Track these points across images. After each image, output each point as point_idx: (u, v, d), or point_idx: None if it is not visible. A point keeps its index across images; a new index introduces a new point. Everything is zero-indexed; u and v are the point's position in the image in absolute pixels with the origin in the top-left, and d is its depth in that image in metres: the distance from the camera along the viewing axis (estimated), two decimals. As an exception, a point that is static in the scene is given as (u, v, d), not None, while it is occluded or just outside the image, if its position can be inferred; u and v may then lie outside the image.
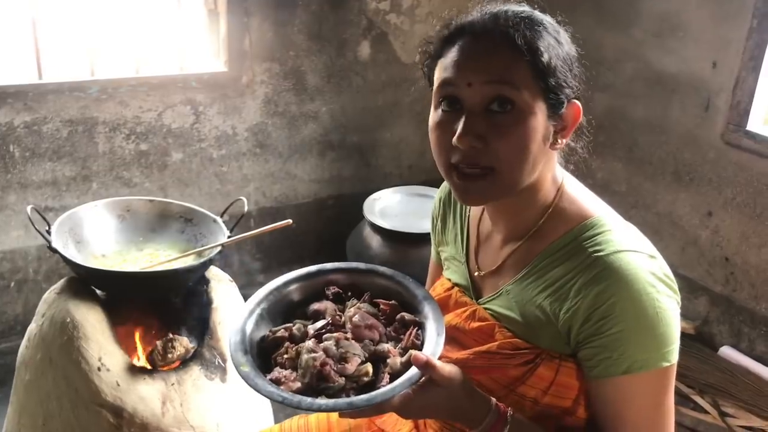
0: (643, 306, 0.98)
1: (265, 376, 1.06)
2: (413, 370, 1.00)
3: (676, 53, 2.68)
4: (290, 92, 2.97)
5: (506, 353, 1.07)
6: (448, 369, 1.01)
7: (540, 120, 1.00)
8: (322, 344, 1.09)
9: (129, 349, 1.81)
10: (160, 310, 1.90)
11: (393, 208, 2.49)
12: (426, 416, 1.08)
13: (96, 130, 2.58)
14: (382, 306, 1.18)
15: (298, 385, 1.04)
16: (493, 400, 1.05)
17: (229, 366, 1.87)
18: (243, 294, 1.88)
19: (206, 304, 1.90)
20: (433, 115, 1.07)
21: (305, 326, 1.16)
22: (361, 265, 1.28)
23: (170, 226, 2.04)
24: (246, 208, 1.98)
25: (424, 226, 2.39)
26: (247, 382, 1.04)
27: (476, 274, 1.20)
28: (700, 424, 2.34)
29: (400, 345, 1.10)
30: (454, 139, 1.00)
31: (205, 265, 1.88)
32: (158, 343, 1.77)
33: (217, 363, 1.85)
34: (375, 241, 2.27)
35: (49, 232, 1.82)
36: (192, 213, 2.05)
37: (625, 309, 0.97)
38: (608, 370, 1.01)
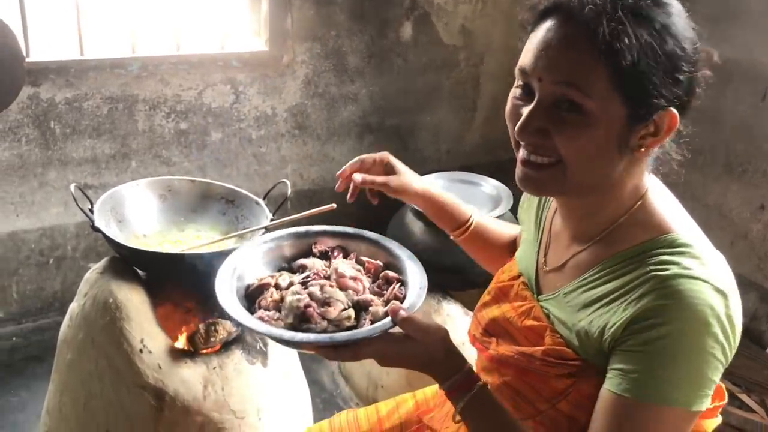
0: (688, 341, 0.89)
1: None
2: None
3: (734, 40, 2.58)
4: (330, 73, 2.92)
5: (549, 361, 1.03)
6: (426, 323, 1.03)
7: (614, 126, 0.92)
8: (307, 289, 1.13)
9: (170, 331, 1.79)
10: (201, 292, 1.86)
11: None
12: (401, 365, 1.06)
13: (136, 107, 2.56)
14: (367, 264, 1.23)
15: (281, 325, 1.07)
16: (469, 364, 1.04)
17: (271, 351, 1.84)
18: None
19: (247, 287, 1.87)
20: (514, 87, 1.01)
21: (290, 277, 1.20)
22: (349, 229, 1.32)
23: (212, 207, 2.02)
24: (289, 191, 1.94)
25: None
26: (230, 315, 1.07)
27: (543, 269, 1.15)
28: (747, 423, 2.27)
29: (383, 298, 1.14)
30: (516, 127, 0.97)
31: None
32: (201, 326, 1.74)
33: (258, 347, 1.82)
34: (417, 227, 2.21)
35: (92, 211, 1.80)
36: (234, 194, 2.02)
37: (668, 335, 0.89)
38: (628, 388, 0.92)
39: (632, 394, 0.91)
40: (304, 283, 1.15)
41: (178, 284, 1.85)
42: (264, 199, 1.96)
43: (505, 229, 1.42)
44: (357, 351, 1.01)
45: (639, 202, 1.01)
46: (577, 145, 0.92)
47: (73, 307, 1.81)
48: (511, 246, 1.39)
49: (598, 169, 0.96)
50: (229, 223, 1.98)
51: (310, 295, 1.11)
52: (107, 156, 2.56)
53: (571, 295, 1.04)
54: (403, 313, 1.03)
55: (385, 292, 1.17)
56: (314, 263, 1.23)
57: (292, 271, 1.25)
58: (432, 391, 1.43)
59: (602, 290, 0.98)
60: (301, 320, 1.07)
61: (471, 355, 1.18)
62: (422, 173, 1.44)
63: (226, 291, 1.14)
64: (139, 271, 1.83)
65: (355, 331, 1.05)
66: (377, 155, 1.33)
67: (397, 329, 1.04)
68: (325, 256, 1.28)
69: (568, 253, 1.09)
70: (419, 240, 2.18)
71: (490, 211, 2.21)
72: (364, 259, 1.25)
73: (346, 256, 1.28)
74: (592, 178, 0.97)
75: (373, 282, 1.20)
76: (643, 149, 0.95)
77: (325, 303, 1.10)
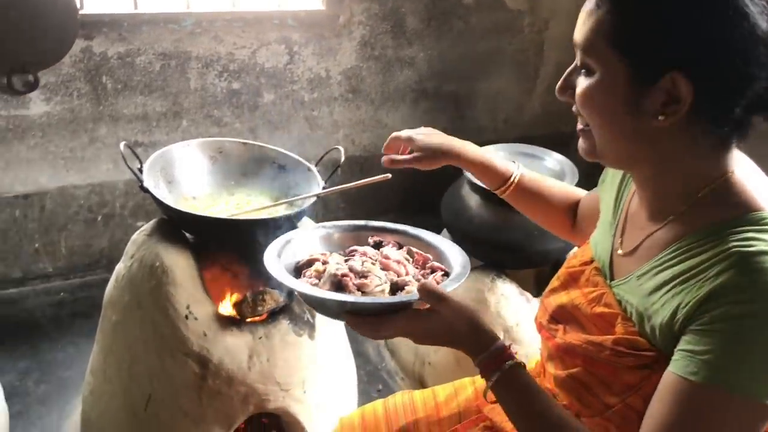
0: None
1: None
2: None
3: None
4: (387, 35, 2.81)
5: (620, 351, 0.97)
6: (449, 295, 1.02)
7: (618, 87, 0.90)
8: (348, 262, 1.15)
9: (216, 296, 1.74)
10: (250, 259, 1.81)
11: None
12: (429, 341, 1.04)
13: (189, 65, 2.50)
14: (416, 255, 1.23)
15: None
16: (500, 342, 1.02)
17: (318, 323, 1.79)
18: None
19: (296, 257, 1.81)
20: None
21: (340, 257, 1.22)
22: (409, 229, 1.31)
23: (263, 171, 1.95)
24: (342, 158, 1.86)
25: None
26: (267, 266, 1.11)
27: (617, 252, 1.08)
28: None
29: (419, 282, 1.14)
30: None
31: (298, 216, 1.78)
32: (248, 294, 1.69)
33: (306, 319, 1.77)
34: (474, 201, 2.11)
35: (141, 170, 1.75)
36: (286, 159, 1.95)
37: (749, 315, 0.81)
38: (695, 371, 0.84)
39: (700, 378, 0.83)
40: (348, 259, 1.17)
41: (227, 250, 1.80)
42: (316, 165, 1.89)
43: (565, 190, 1.38)
44: (380, 325, 1.01)
45: (723, 179, 0.93)
46: (587, 106, 0.94)
47: (120, 268, 1.77)
48: (572, 209, 1.36)
49: (616, 134, 0.94)
50: (280, 189, 1.91)
51: (350, 268, 1.13)
52: (158, 114, 2.51)
53: (644, 277, 0.97)
54: (431, 286, 1.02)
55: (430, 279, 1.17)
56: (366, 249, 1.24)
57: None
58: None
59: (677, 270, 0.91)
60: (337, 288, 1.08)
61: (534, 344, 1.11)
62: (479, 143, 1.40)
63: (273, 255, 1.17)
64: (187, 235, 1.78)
65: (378, 298, 1.05)
66: (405, 136, 1.35)
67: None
68: (378, 246, 1.28)
69: (642, 234, 1.03)
70: (475, 214, 2.08)
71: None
72: (415, 250, 1.25)
73: (399, 249, 1.28)
74: (616, 144, 0.96)
75: (420, 271, 1.21)
76: (662, 117, 0.89)
77: (363, 276, 1.11)
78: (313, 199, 1.76)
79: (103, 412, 1.81)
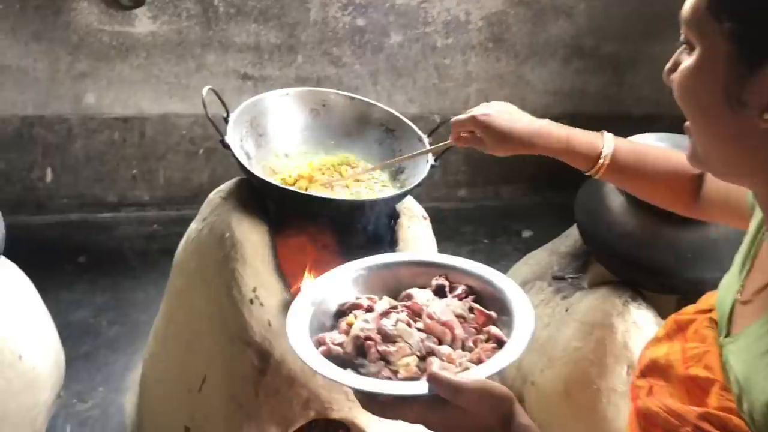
0: None
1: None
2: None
3: None
4: (545, -24, 2.42)
5: (704, 428, 0.87)
6: (479, 392, 0.81)
7: (718, 69, 0.74)
8: (381, 320, 0.99)
9: (291, 279, 1.50)
10: (334, 241, 1.56)
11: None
12: None
13: (311, -7, 2.24)
14: (477, 312, 1.02)
15: (339, 351, 0.95)
16: None
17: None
18: (437, 209, 1.56)
19: (390, 244, 1.54)
20: None
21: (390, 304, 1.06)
22: (496, 275, 1.06)
23: (368, 133, 1.70)
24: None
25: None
26: (287, 327, 0.97)
27: (738, 300, 0.92)
28: None
29: (466, 357, 0.96)
30: None
31: (404, 196, 1.52)
32: (324, 287, 1.44)
33: (389, 321, 1.50)
34: (617, 203, 1.71)
35: (226, 120, 1.52)
36: (396, 123, 1.68)
37: None
38: None
39: None
40: (386, 314, 1.00)
41: (312, 226, 1.55)
42: (429, 136, 1.59)
43: (678, 159, 1.13)
44: (388, 410, 0.85)
45: None
46: (682, 92, 0.79)
47: (192, 229, 1.57)
48: (697, 181, 1.13)
49: (714, 133, 0.79)
50: (384, 156, 1.65)
51: (379, 328, 0.96)
52: (272, 45, 2.28)
53: (753, 335, 0.83)
54: (443, 378, 0.82)
55: (476, 348, 0.97)
56: (421, 295, 1.04)
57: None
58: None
59: None
60: (358, 352, 0.94)
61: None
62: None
63: (308, 295, 1.04)
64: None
65: (376, 384, 0.88)
66: (464, 118, 1.20)
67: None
68: (441, 291, 1.07)
69: (764, 279, 0.88)
70: (617, 220, 1.69)
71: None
72: (477, 307, 1.03)
73: (466, 296, 1.07)
74: (716, 147, 0.80)
75: (475, 334, 1.00)
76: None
77: (391, 340, 0.95)
78: (421, 176, 1.49)
79: (160, 380, 1.67)
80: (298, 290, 1.51)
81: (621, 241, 1.68)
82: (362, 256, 1.62)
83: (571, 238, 1.99)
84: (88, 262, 2.23)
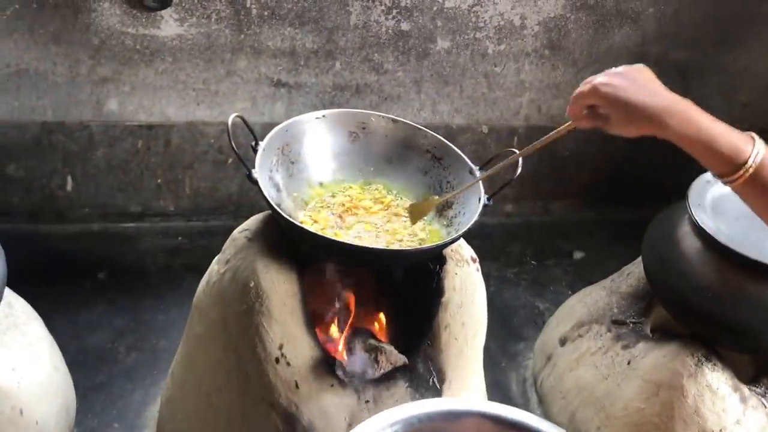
0: None
1: None
2: None
3: None
4: (611, -21, 2.18)
5: None
6: None
7: None
8: None
9: (320, 331, 1.34)
10: (371, 291, 1.39)
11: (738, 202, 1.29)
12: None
13: (352, -6, 2.04)
14: None
15: None
16: None
17: (446, 387, 1.35)
18: (481, 224, 1.36)
19: (435, 295, 1.36)
20: None
21: None
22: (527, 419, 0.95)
23: (412, 159, 1.52)
24: (519, 171, 1.36)
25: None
26: None
27: None
28: None
29: None
30: None
31: (452, 242, 1.35)
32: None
33: (431, 382, 1.33)
34: (694, 248, 1.49)
35: (254, 149, 1.35)
36: (444, 150, 1.50)
37: None
38: None
39: None
40: None
41: (346, 275, 1.37)
42: (482, 169, 1.41)
43: None
44: None
45: None
46: None
47: (213, 270, 1.40)
48: None
49: None
50: (429, 188, 1.48)
51: None
52: (308, 51, 2.08)
53: None
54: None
55: None
56: None
57: None
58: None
59: None
60: None
61: None
62: None
63: None
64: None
65: None
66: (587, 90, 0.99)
67: None
68: None
69: None
70: (693, 269, 1.48)
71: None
72: None
73: None
74: None
75: None
76: None
77: None
78: (475, 217, 1.33)
79: (177, 431, 1.51)
80: (326, 344, 1.35)
81: (697, 293, 1.47)
82: (403, 308, 1.46)
83: (633, 277, 1.78)
84: (109, 279, 2.08)
